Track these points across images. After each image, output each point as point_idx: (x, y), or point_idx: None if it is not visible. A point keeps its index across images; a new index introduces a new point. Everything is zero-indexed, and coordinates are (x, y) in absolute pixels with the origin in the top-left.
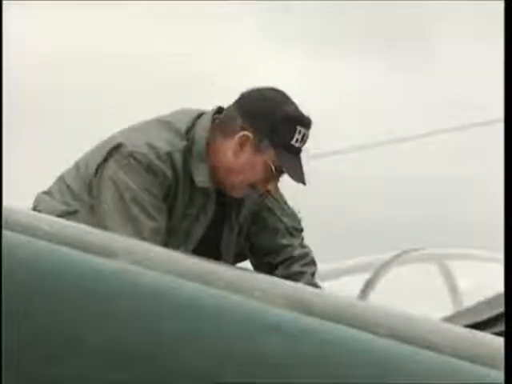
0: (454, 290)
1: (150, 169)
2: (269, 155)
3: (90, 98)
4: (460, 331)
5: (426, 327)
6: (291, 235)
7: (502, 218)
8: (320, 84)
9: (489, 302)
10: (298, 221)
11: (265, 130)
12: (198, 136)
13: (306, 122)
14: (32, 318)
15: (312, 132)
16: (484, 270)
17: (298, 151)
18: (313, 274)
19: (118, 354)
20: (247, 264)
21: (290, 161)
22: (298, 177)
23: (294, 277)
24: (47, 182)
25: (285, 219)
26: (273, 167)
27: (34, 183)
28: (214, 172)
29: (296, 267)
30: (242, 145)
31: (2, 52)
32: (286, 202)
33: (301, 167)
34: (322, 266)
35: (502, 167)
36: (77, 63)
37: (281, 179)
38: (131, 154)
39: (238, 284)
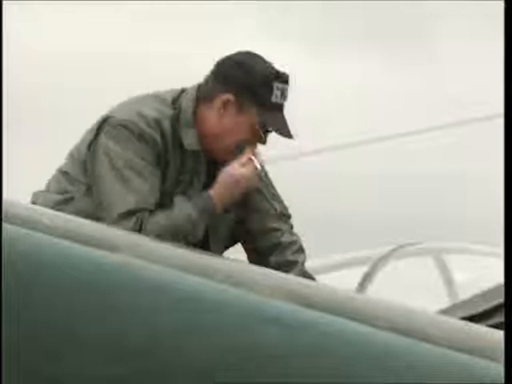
0: (449, 283)
1: (140, 135)
2: (251, 115)
3: (90, 98)
4: (456, 323)
5: (423, 320)
6: (280, 219)
7: (498, 213)
8: (319, 82)
9: (484, 295)
10: (286, 207)
11: (244, 92)
12: (184, 105)
13: (282, 78)
14: (31, 309)
15: (310, 129)
16: (480, 264)
17: (280, 107)
18: (303, 263)
19: (118, 349)
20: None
21: (273, 118)
22: (283, 132)
23: (286, 265)
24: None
25: (274, 203)
26: (257, 126)
27: (33, 182)
28: (202, 139)
29: (288, 256)
30: (224, 108)
31: (1, 52)
32: (274, 188)
33: (285, 122)
34: (319, 260)
35: (500, 164)
36: (76, 63)
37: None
38: (120, 123)
39: (237, 277)
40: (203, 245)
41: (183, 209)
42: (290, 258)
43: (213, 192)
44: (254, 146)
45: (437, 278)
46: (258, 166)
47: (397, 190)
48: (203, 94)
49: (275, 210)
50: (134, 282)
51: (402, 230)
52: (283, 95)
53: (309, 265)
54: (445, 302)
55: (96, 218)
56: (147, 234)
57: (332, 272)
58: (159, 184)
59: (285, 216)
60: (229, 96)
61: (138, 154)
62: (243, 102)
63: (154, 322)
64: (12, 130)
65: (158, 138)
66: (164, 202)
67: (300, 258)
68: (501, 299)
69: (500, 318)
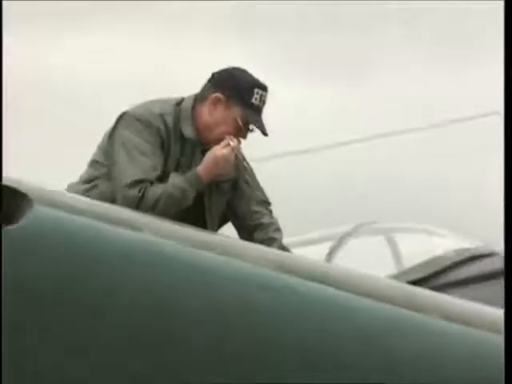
0: (397, 257)
1: (147, 126)
2: (236, 112)
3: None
4: (402, 286)
5: (380, 284)
6: (262, 205)
7: (437, 199)
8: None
9: (425, 264)
10: (266, 195)
11: (231, 92)
12: (185, 105)
13: (262, 86)
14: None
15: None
16: (422, 241)
17: (258, 109)
18: (280, 240)
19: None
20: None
21: (253, 116)
22: (260, 127)
23: (268, 242)
24: None
25: (258, 192)
26: (240, 121)
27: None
28: (197, 130)
29: (269, 233)
30: (215, 104)
31: (1, 52)
32: (257, 180)
33: (262, 122)
34: (293, 238)
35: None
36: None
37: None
38: (133, 117)
39: (233, 251)
40: (202, 224)
41: (176, 181)
42: (271, 235)
43: (199, 168)
44: (237, 137)
45: (387, 252)
46: (235, 147)
47: (358, 184)
48: (200, 95)
49: (258, 197)
50: (151, 255)
51: (360, 213)
52: (262, 100)
53: (284, 241)
54: (393, 271)
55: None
56: (147, 201)
57: (303, 247)
58: (161, 164)
59: (265, 202)
60: (218, 94)
61: (144, 140)
62: (230, 101)
63: (163, 286)
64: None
65: (162, 128)
66: (166, 179)
67: (278, 236)
68: (436, 268)
69: (435, 283)
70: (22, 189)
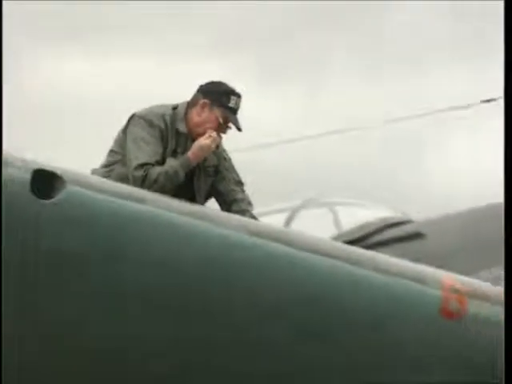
0: (337, 223)
1: (150, 123)
2: (218, 113)
3: None
4: (340, 245)
5: (324, 244)
6: (237, 185)
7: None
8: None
9: (357, 228)
10: (240, 177)
11: (214, 99)
12: (179, 109)
13: (237, 93)
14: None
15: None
16: (358, 212)
17: (234, 111)
18: (251, 211)
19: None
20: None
21: (231, 116)
22: (236, 125)
23: (242, 212)
24: None
25: (234, 174)
26: (221, 120)
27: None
28: (189, 129)
29: (242, 206)
30: (202, 108)
31: (1, 52)
32: (234, 166)
33: (237, 120)
34: (258, 210)
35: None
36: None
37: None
38: (140, 117)
39: (216, 219)
40: (193, 199)
41: (171, 163)
42: (244, 208)
43: (188, 153)
44: (219, 133)
45: (330, 220)
46: (215, 138)
47: (310, 169)
48: (191, 101)
49: (235, 179)
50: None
51: (310, 191)
52: (237, 104)
53: (254, 212)
54: (334, 234)
55: (127, 178)
56: (150, 178)
57: (267, 216)
58: (161, 152)
59: (240, 183)
60: (205, 100)
61: (148, 134)
62: (213, 105)
63: (166, 247)
64: None
65: (162, 125)
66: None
67: (250, 208)
68: (366, 231)
69: (365, 243)
70: (58, 172)
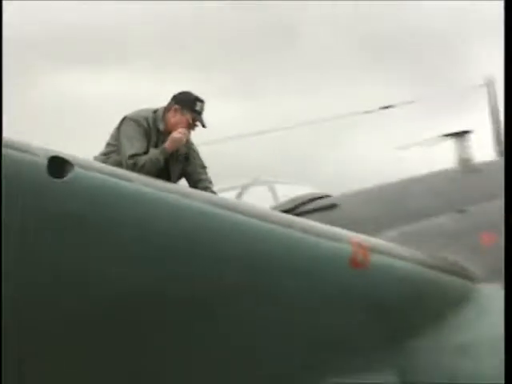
0: (275, 198)
1: (138, 124)
2: (188, 116)
3: None
4: (277, 213)
5: (265, 212)
6: (202, 168)
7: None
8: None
9: (290, 201)
10: (204, 162)
11: (184, 105)
12: (159, 112)
13: (201, 100)
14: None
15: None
16: (291, 189)
17: (200, 113)
18: (212, 188)
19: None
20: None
21: (198, 117)
22: (201, 123)
23: (205, 189)
24: None
25: (199, 161)
26: (190, 121)
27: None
28: (167, 128)
29: (206, 184)
30: (175, 112)
31: (1, 52)
32: (199, 154)
33: (202, 120)
34: (217, 187)
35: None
36: None
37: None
38: (130, 118)
39: (188, 194)
40: (168, 179)
41: (153, 152)
42: (207, 185)
43: (165, 144)
44: (189, 130)
45: (269, 195)
46: (185, 133)
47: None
48: (167, 106)
49: (200, 164)
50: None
51: (255, 173)
52: (201, 108)
53: (214, 189)
54: (272, 205)
55: (121, 163)
56: (138, 165)
57: (224, 192)
58: (146, 145)
59: (204, 167)
60: (176, 106)
61: (136, 132)
62: (183, 109)
63: (149, 215)
64: None
65: (146, 125)
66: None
67: (211, 186)
68: (296, 203)
69: (296, 211)
70: (68, 158)
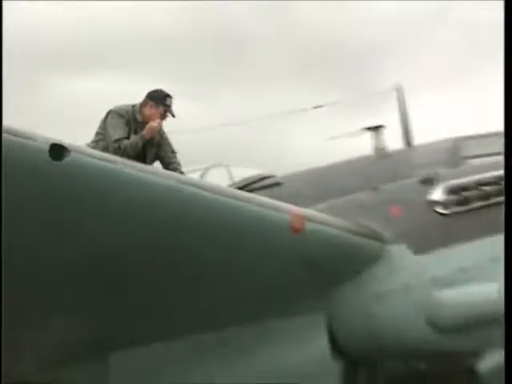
0: (231, 177)
1: (120, 115)
2: (160, 108)
3: None
4: (231, 189)
5: (223, 189)
6: (172, 153)
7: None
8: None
9: (243, 180)
10: (174, 148)
11: (156, 100)
12: (136, 107)
13: (169, 95)
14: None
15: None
16: (244, 171)
17: (169, 106)
18: (181, 169)
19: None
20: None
21: (168, 109)
22: (171, 114)
23: (174, 170)
24: None
25: (170, 146)
26: (162, 113)
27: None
28: (144, 119)
29: (176, 166)
30: (150, 107)
31: (2, 51)
32: (170, 141)
33: (172, 111)
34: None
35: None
36: None
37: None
38: (114, 112)
39: (162, 174)
40: (144, 161)
41: (133, 138)
42: (176, 167)
43: (143, 132)
44: (162, 120)
45: (227, 176)
46: (159, 123)
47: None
48: (143, 102)
49: (170, 149)
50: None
51: (215, 159)
52: (170, 102)
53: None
54: (229, 184)
55: (108, 148)
56: (122, 148)
57: (190, 174)
58: (127, 132)
59: (174, 152)
60: (151, 102)
61: (119, 122)
62: (156, 104)
63: (133, 190)
64: None
65: (127, 117)
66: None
67: (180, 167)
68: (249, 181)
69: (248, 188)
70: (65, 144)
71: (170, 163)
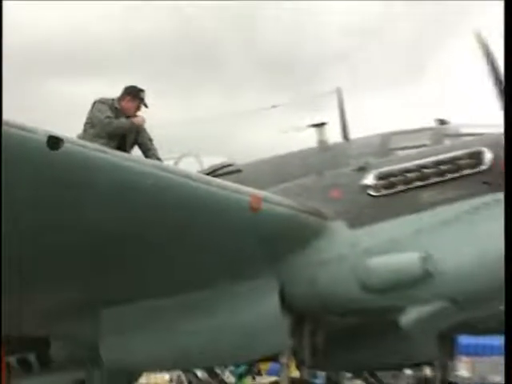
0: (201, 165)
1: (103, 103)
2: (136, 101)
3: None
4: (200, 174)
5: (195, 174)
6: (149, 140)
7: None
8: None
9: (210, 168)
10: (151, 137)
11: (132, 94)
12: (115, 100)
13: (143, 90)
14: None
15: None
16: (213, 160)
17: (143, 98)
18: (158, 156)
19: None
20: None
21: (142, 101)
22: (145, 105)
23: (152, 157)
24: None
25: (147, 135)
26: (137, 105)
27: None
28: (123, 110)
29: (153, 152)
30: (128, 101)
31: (1, 51)
32: (147, 131)
33: (146, 103)
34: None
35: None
36: None
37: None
38: (98, 101)
39: (139, 160)
40: (124, 145)
41: (123, 120)
42: (154, 153)
43: (134, 119)
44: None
45: (197, 165)
46: (143, 118)
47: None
48: (120, 96)
49: (147, 137)
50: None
51: (186, 148)
52: (143, 95)
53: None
54: (198, 170)
55: (95, 135)
56: (113, 125)
57: (165, 161)
58: (113, 117)
59: (151, 139)
60: (127, 96)
61: (104, 107)
62: (132, 97)
63: (120, 178)
64: None
65: (109, 104)
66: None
67: (157, 154)
68: (214, 168)
69: (214, 174)
70: (60, 136)
71: (148, 149)
